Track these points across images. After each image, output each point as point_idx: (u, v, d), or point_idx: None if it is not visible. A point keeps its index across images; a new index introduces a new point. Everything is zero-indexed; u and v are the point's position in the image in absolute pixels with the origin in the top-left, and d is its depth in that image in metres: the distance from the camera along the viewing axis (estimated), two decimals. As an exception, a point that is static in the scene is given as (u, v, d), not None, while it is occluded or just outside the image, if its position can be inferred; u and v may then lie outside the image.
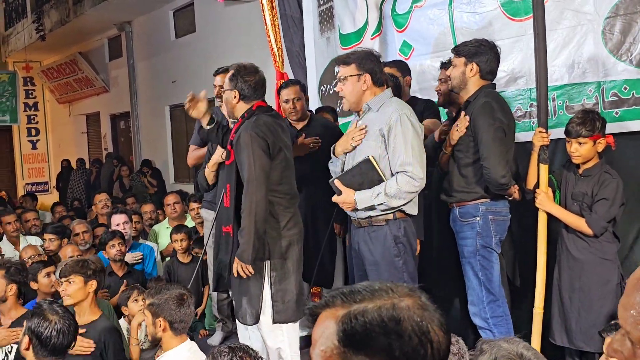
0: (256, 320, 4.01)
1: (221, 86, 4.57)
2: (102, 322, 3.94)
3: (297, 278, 4.05)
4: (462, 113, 4.02)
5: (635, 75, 4.11)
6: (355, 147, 3.92)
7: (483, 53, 3.96)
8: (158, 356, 3.48)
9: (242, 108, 4.04)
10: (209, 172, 4.67)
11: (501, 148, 3.84)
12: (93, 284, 3.99)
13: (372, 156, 3.76)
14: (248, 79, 4.01)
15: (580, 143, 3.78)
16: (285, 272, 4.00)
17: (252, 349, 3.00)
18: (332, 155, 4.14)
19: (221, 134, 4.29)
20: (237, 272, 3.90)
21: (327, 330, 1.24)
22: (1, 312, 4.28)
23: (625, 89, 4.16)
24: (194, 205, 6.90)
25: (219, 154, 4.49)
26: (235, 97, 4.02)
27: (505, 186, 3.85)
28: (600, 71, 4.26)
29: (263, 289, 3.96)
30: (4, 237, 6.94)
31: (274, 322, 3.97)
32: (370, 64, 3.84)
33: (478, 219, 3.96)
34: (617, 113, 4.19)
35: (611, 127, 3.96)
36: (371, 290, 1.27)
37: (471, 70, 3.97)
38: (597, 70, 4.28)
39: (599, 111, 4.08)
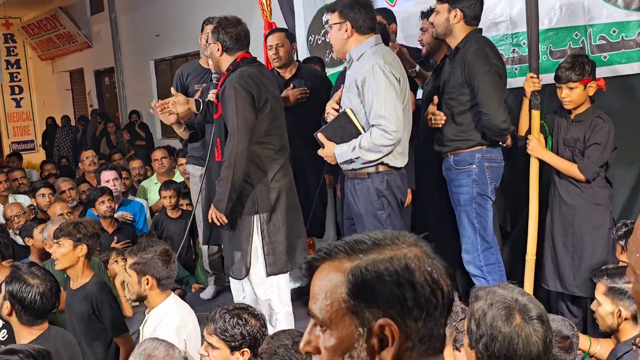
0: (247, 274, 4.02)
1: None
2: (91, 283, 3.87)
3: (287, 229, 4.05)
4: (431, 107, 4.02)
5: (624, 17, 4.06)
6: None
7: None
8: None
9: (226, 60, 4.00)
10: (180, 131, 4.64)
11: (499, 94, 3.82)
12: (83, 248, 3.85)
13: (351, 109, 3.75)
14: (230, 31, 3.97)
15: (570, 88, 3.76)
16: (275, 223, 4.01)
17: (255, 309, 2.99)
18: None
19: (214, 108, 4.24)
20: (212, 219, 3.93)
21: (331, 283, 1.19)
22: None
23: (614, 32, 4.11)
24: (182, 160, 6.80)
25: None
26: (218, 49, 3.99)
27: (505, 131, 3.84)
28: (587, 15, 4.20)
29: (252, 243, 3.97)
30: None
31: (268, 274, 3.99)
32: (351, 12, 3.78)
33: (474, 166, 3.94)
34: (605, 57, 4.15)
35: (600, 72, 3.92)
36: (376, 240, 1.22)
37: (455, 16, 3.90)
38: (583, 13, 4.22)
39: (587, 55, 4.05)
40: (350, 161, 3.78)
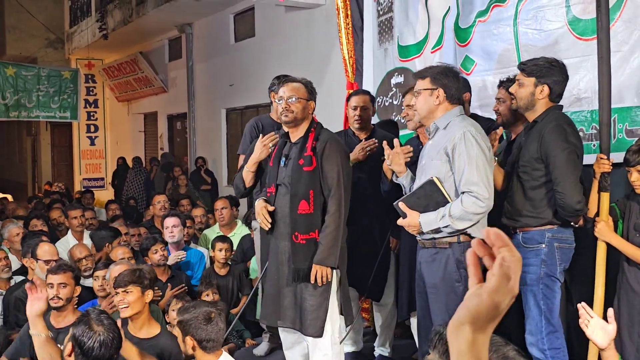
0: (321, 332, 3.97)
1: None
2: (164, 336, 3.87)
3: (344, 285, 4.17)
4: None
5: None
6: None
7: (554, 74, 3.77)
8: None
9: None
10: (247, 172, 4.35)
11: (576, 172, 3.68)
12: (149, 293, 3.93)
13: (437, 177, 3.68)
14: None
15: None
16: (342, 278, 4.12)
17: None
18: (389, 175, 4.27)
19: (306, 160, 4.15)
20: (316, 278, 3.92)
21: None
22: (53, 316, 4.24)
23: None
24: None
25: (257, 152, 4.29)
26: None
27: (580, 212, 3.68)
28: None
29: (330, 298, 4.00)
30: (69, 232, 7.02)
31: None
32: (445, 79, 3.75)
33: (543, 245, 3.78)
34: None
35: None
36: None
37: (541, 92, 3.78)
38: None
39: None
40: (437, 230, 3.69)
